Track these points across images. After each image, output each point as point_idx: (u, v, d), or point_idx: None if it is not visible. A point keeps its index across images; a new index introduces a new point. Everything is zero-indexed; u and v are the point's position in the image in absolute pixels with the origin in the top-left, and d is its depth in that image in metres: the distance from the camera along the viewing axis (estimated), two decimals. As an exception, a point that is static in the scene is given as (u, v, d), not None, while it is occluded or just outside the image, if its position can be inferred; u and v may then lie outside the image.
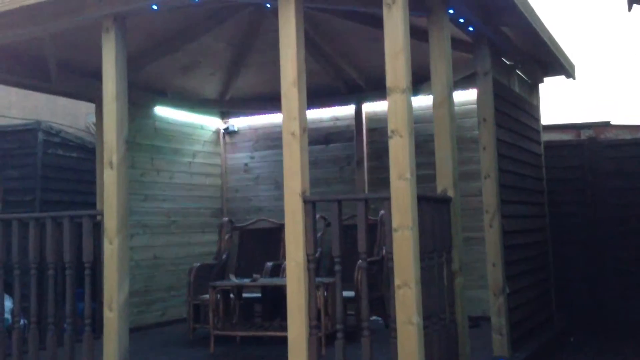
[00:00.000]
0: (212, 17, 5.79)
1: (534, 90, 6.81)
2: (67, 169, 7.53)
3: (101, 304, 4.51)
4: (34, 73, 5.98)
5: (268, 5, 5.12)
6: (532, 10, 5.12)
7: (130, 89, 4.62)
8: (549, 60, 6.33)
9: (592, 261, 7.35)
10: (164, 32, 5.90)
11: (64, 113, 10.12)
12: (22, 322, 4.83)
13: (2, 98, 9.99)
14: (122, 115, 4.48)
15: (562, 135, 7.85)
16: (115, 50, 4.43)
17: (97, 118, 6.42)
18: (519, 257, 5.45)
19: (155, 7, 4.36)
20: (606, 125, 7.92)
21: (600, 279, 7.31)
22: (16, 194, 7.19)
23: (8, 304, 5.50)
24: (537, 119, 6.82)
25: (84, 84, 6.31)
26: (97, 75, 4.83)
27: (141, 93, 6.76)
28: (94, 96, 6.37)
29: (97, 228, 4.59)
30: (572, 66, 6.87)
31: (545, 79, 6.96)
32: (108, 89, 4.46)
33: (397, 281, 3.52)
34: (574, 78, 7.04)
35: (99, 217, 4.60)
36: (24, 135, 7.28)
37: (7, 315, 5.33)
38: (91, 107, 7.18)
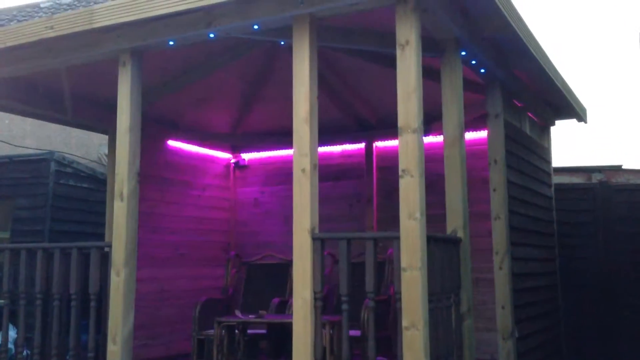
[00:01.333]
0: (226, 52, 5.87)
1: (545, 132, 6.81)
2: (78, 200, 7.58)
3: (105, 336, 4.48)
4: (50, 104, 6.07)
5: (282, 43, 5.20)
6: (544, 55, 5.16)
7: (143, 122, 4.66)
8: (561, 103, 6.36)
9: (604, 307, 7.23)
10: (179, 66, 5.98)
11: (77, 144, 10.24)
12: (25, 352, 4.79)
13: (17, 127, 10.14)
14: (134, 148, 4.52)
15: (572, 178, 7.82)
16: (130, 84, 4.49)
17: (110, 150, 6.47)
18: (528, 300, 5.38)
19: (172, 42, 4.44)
20: (617, 169, 7.89)
21: (611, 325, 7.18)
22: (26, 223, 7.22)
23: (12, 333, 5.47)
24: (548, 162, 6.80)
25: (98, 115, 6.38)
26: (111, 107, 4.89)
27: (154, 125, 6.82)
28: (108, 128, 6.44)
29: (105, 259, 4.58)
30: (583, 110, 6.88)
31: (557, 122, 6.98)
32: (122, 121, 4.51)
33: (405, 322, 3.48)
34: (585, 122, 7.06)
35: (107, 249, 4.60)
36: (37, 165, 7.36)
37: (11, 345, 5.29)
38: (104, 138, 7.27)
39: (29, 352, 5.13)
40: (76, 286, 4.55)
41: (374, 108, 7.15)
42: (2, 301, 4.85)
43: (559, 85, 5.68)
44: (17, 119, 8.93)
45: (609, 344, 7.14)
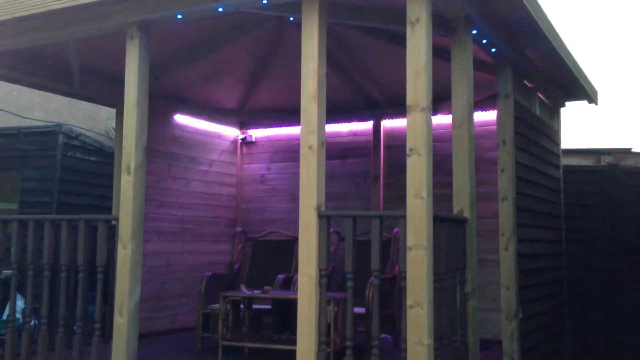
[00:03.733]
0: (235, 28, 5.83)
1: (555, 114, 6.76)
2: (85, 173, 7.60)
3: (112, 308, 4.52)
4: (58, 76, 6.06)
5: (291, 19, 5.15)
6: (556, 34, 5.09)
7: (150, 96, 4.65)
8: (572, 84, 6.29)
9: (608, 290, 7.23)
10: (187, 41, 5.95)
11: (85, 117, 10.25)
12: (32, 322, 4.85)
13: (26, 99, 10.15)
14: (142, 122, 4.52)
15: (581, 161, 7.77)
16: (138, 58, 4.47)
17: (117, 123, 6.47)
18: (533, 281, 5.38)
19: (180, 16, 4.41)
20: (627, 152, 7.83)
21: (615, 309, 7.19)
22: (34, 194, 7.25)
23: (20, 303, 5.53)
24: (557, 143, 6.76)
25: (105, 89, 6.38)
26: (119, 81, 4.88)
27: (161, 100, 6.81)
28: (115, 101, 6.44)
29: (112, 233, 4.60)
30: (594, 91, 6.82)
31: (567, 103, 6.91)
32: (129, 95, 4.50)
33: (409, 301, 3.49)
34: (596, 103, 6.99)
35: (114, 222, 4.62)
36: (45, 137, 7.37)
37: (19, 315, 5.36)
38: (111, 112, 7.26)
39: (36, 322, 5.20)
40: (83, 258, 4.59)
41: (382, 86, 7.10)
42: (10, 272, 4.89)
43: (570, 66, 5.62)
44: (25, 90, 8.92)
45: (613, 327, 7.16)
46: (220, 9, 4.28)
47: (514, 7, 4.34)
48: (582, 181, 7.46)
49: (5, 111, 9.70)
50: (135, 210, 4.42)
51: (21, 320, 5.09)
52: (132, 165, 4.43)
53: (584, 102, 6.94)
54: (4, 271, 4.97)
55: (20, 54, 5.57)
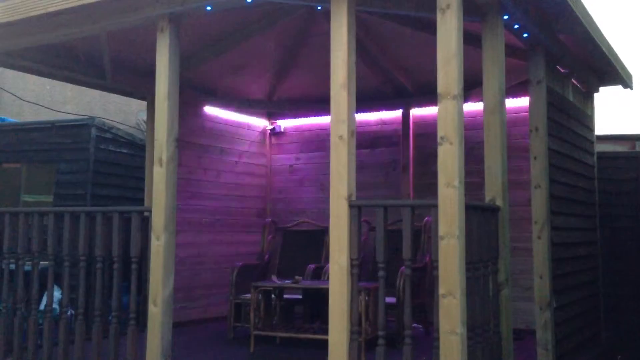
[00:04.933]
0: (263, 18, 5.83)
1: (588, 99, 6.62)
2: (118, 165, 7.71)
3: (145, 298, 4.58)
4: (90, 70, 6.14)
5: (319, 8, 5.13)
6: (590, 18, 4.98)
7: (180, 88, 4.68)
8: (606, 69, 6.16)
9: (644, 278, 7.10)
10: (216, 33, 5.97)
11: (116, 110, 10.39)
12: (69, 312, 4.95)
13: (58, 94, 10.33)
14: (173, 114, 4.55)
15: (616, 147, 7.62)
16: (169, 50, 4.50)
17: (148, 116, 6.54)
18: (567, 270, 5.31)
19: (209, 8, 4.42)
20: (663, 137, 7.65)
21: (652, 297, 7.06)
22: (68, 187, 7.39)
23: (57, 294, 5.65)
24: (591, 129, 6.63)
25: (136, 82, 6.45)
26: (149, 74, 4.92)
27: (191, 92, 6.86)
28: (146, 94, 6.51)
29: (145, 224, 4.66)
30: (629, 76, 6.66)
31: (601, 89, 6.77)
32: (160, 88, 4.54)
33: (441, 290, 3.47)
34: (631, 88, 6.83)
35: (146, 214, 4.68)
36: (78, 130, 7.50)
37: (56, 305, 5.47)
38: (142, 104, 7.35)
39: (72, 312, 5.30)
40: (118, 249, 4.66)
41: (411, 74, 7.04)
42: (47, 262, 5.00)
43: (604, 50, 5.49)
44: (58, 84, 9.09)
45: (649, 316, 7.03)
46: (249, 0, 4.28)
47: (546, -10, 4.25)
48: (617, 167, 7.31)
49: (40, 105, 9.89)
50: (168, 201, 4.47)
51: (58, 311, 5.19)
52: (164, 157, 4.48)
53: (619, 87, 6.79)
54: (41, 262, 5.07)
55: (53, 49, 5.66)
